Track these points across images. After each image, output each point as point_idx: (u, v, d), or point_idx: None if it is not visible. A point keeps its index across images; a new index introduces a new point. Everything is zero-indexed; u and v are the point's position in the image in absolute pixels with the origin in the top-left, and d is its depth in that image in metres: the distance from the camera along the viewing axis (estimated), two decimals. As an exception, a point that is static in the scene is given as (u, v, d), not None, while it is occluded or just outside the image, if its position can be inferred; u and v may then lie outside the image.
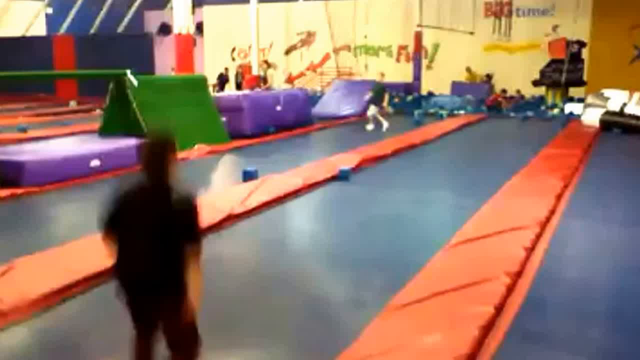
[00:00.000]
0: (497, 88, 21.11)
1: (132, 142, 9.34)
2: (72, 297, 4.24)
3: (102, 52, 22.05)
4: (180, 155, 9.90)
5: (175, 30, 12.70)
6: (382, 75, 15.32)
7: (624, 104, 14.60)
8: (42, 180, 7.64)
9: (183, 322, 2.65)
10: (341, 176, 8.19)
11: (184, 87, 11.33)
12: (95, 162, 8.37)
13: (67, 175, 7.98)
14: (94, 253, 4.85)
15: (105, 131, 10.21)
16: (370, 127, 13.94)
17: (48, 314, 3.99)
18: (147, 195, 2.70)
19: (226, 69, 22.31)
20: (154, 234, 2.63)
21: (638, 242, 5.61)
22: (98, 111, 15.86)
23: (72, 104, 20.47)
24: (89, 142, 9.59)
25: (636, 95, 15.19)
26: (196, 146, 10.53)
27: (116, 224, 2.72)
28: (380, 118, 13.90)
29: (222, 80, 21.45)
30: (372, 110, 14.12)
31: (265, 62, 21.60)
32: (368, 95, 14.58)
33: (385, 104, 14.27)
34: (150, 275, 2.63)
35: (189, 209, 2.65)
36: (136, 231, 2.67)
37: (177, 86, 11.26)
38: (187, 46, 12.77)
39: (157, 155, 2.67)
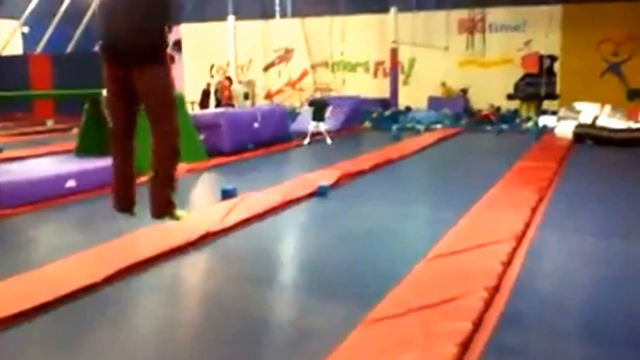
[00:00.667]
0: (473, 102, 21.42)
1: (109, 161, 9.30)
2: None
3: (79, 71, 21.83)
4: (158, 174, 9.90)
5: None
6: (326, 90, 15.63)
7: (596, 117, 14.93)
8: (17, 201, 7.54)
9: (163, 95, 3.02)
10: (320, 192, 8.22)
11: (161, 105, 11.29)
12: (71, 183, 8.30)
13: (43, 196, 7.89)
14: (72, 275, 4.85)
15: (81, 151, 10.12)
16: (306, 141, 14.22)
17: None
18: None
19: (208, 84, 22.27)
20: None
21: (612, 255, 5.71)
22: (75, 130, 15.70)
23: (49, 123, 20.27)
24: (64, 162, 9.51)
25: (607, 107, 15.55)
26: (174, 164, 10.49)
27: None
28: (324, 133, 14.24)
29: (206, 95, 21.39)
30: (313, 126, 14.43)
31: (228, 78, 21.41)
32: (309, 110, 14.95)
33: (325, 116, 14.62)
34: (132, 43, 2.94)
35: None
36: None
37: (154, 105, 11.22)
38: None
39: None
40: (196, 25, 25.48)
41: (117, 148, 2.95)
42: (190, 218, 3.65)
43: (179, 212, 3.32)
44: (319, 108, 14.57)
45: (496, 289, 4.57)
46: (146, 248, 5.63)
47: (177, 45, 17.60)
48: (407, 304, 4.17)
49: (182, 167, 10.48)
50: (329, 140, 14.19)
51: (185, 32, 25.66)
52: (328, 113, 14.72)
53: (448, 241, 5.79)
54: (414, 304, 4.15)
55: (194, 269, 5.63)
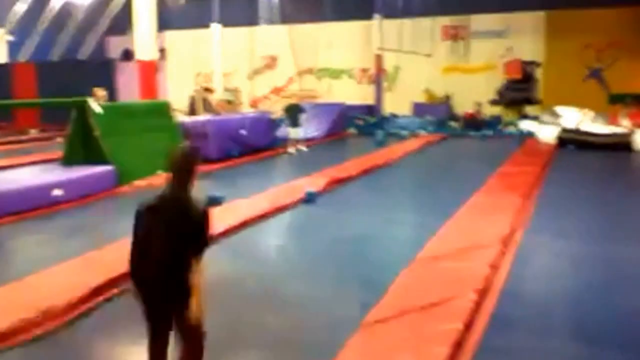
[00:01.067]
0: (457, 108, 21.59)
1: (95, 170, 9.28)
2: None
3: (64, 79, 21.77)
4: (145, 181, 9.89)
5: (138, 56, 12.68)
6: (298, 96, 15.47)
7: (579, 121, 15.13)
8: (2, 211, 7.49)
9: (192, 321, 2.93)
10: (308, 199, 8.27)
11: (147, 113, 11.29)
12: (57, 192, 8.25)
13: (29, 205, 7.82)
14: (57, 286, 4.81)
15: (68, 160, 10.07)
16: (292, 149, 14.04)
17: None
18: (170, 204, 3.01)
19: (197, 91, 22.07)
20: (172, 240, 2.91)
21: (596, 258, 5.80)
22: (60, 139, 15.61)
23: (33, 132, 20.11)
24: (50, 172, 9.46)
25: (589, 112, 15.78)
26: (159, 172, 10.46)
27: (139, 230, 3.01)
28: (298, 139, 14.03)
29: (194, 102, 21.15)
30: (292, 132, 14.14)
31: (206, 88, 20.51)
32: (283, 118, 14.69)
33: (300, 122, 14.19)
34: (164, 282, 2.92)
35: (204, 217, 2.96)
36: (155, 237, 2.94)
37: (140, 112, 11.21)
38: (150, 72, 12.75)
39: (183, 169, 3.02)
40: (181, 33, 25.48)
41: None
42: None
43: None
44: (293, 114, 14.17)
45: (485, 291, 4.64)
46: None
47: (162, 52, 17.36)
48: (400, 308, 4.22)
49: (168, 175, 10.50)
50: (304, 148, 14.07)
51: (170, 39, 25.68)
52: (303, 119, 14.26)
53: (436, 245, 5.86)
54: (406, 308, 4.20)
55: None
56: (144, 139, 10.66)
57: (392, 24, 21.23)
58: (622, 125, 14.81)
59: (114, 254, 5.70)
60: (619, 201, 8.42)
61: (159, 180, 10.17)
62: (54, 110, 20.26)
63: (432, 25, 21.95)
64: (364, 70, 23.68)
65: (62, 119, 12.73)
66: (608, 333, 4.05)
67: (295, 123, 14.09)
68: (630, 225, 7.01)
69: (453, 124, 19.53)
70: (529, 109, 20.52)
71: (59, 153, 11.04)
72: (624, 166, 12.05)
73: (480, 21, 22.17)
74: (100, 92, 11.32)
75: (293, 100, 16.49)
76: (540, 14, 21.03)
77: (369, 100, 22.03)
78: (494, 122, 19.57)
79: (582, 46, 21.08)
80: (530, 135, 16.18)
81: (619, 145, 13.58)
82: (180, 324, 3.00)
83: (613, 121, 15.18)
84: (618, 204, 8.19)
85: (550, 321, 4.26)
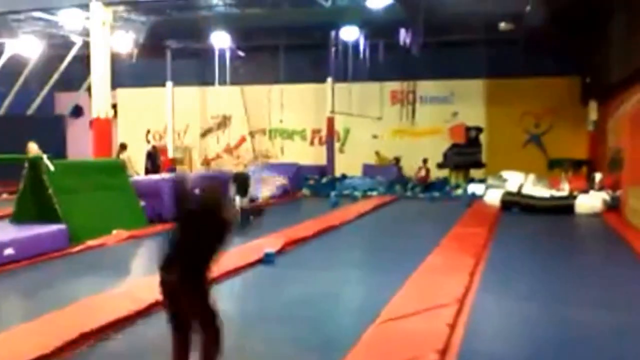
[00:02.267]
0: (405, 170, 22.22)
1: (47, 228, 9.08)
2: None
3: (11, 135, 21.28)
4: (98, 241, 9.73)
5: (94, 114, 12.68)
6: (244, 165, 14.59)
7: (521, 185, 15.85)
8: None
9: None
10: (266, 259, 8.32)
11: (101, 171, 11.22)
12: (9, 251, 8.03)
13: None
14: (7, 353, 4.66)
15: (18, 217, 9.84)
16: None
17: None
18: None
19: (154, 147, 21.84)
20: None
21: (545, 317, 6.04)
22: (5, 195, 15.21)
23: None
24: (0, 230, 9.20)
25: (531, 176, 16.57)
26: (114, 231, 10.35)
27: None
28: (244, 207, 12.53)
29: (152, 158, 20.90)
30: (238, 202, 12.69)
31: (121, 145, 19.12)
32: (232, 188, 12.89)
33: (248, 191, 12.91)
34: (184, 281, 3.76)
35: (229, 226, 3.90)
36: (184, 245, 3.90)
37: (94, 170, 11.13)
38: (104, 130, 12.74)
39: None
40: (132, 90, 25.55)
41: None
42: None
43: None
44: (241, 183, 12.86)
45: (444, 351, 4.78)
46: (92, 319, 5.48)
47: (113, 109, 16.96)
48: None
49: (122, 233, 10.38)
50: (251, 217, 12.48)
51: (121, 96, 25.67)
52: (251, 187, 13.14)
53: (395, 306, 6.00)
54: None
55: (142, 341, 5.53)
56: (97, 197, 10.57)
57: (343, 88, 21.97)
58: (563, 190, 15.59)
59: (68, 317, 5.57)
60: (561, 263, 8.82)
61: (113, 239, 10.05)
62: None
63: (381, 90, 22.84)
64: (316, 132, 24.23)
65: (7, 175, 12.46)
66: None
67: (244, 192, 12.87)
68: (574, 286, 7.35)
69: (405, 187, 19.87)
70: (475, 173, 21.34)
71: (6, 210, 10.77)
72: (566, 229, 12.64)
73: (426, 87, 23.22)
74: (34, 147, 11.19)
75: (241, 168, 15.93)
76: (482, 82, 22.23)
77: (321, 161, 22.47)
78: (440, 185, 20.22)
79: (521, 113, 22.31)
80: (477, 197, 16.77)
81: (561, 208, 14.25)
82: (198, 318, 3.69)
83: (554, 185, 15.96)
84: (560, 266, 8.58)
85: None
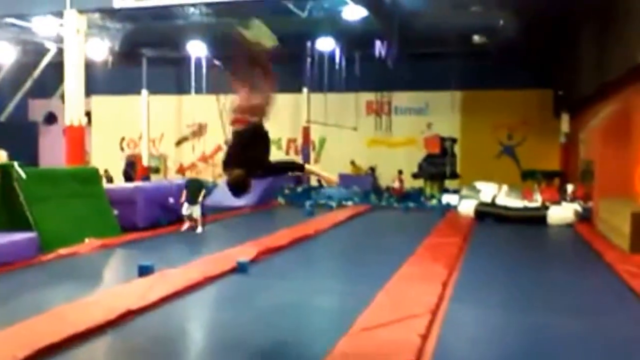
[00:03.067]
0: (381, 180, 22.36)
1: (17, 237, 8.94)
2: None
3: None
4: (71, 250, 9.59)
5: (67, 121, 12.52)
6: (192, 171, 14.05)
7: (495, 195, 16.06)
8: None
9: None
10: (240, 268, 8.29)
11: (74, 179, 11.09)
12: (-23, 259, 7.88)
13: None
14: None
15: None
16: (185, 226, 12.53)
17: None
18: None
19: (134, 155, 21.70)
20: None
21: (517, 326, 6.13)
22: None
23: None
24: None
25: (504, 187, 16.79)
26: (87, 240, 10.21)
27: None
28: (197, 218, 12.56)
29: (131, 166, 20.78)
30: (186, 209, 12.53)
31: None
32: (184, 196, 12.68)
33: (200, 199, 12.61)
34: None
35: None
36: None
37: (67, 178, 11.00)
38: (78, 138, 12.59)
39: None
40: (107, 98, 25.33)
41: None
42: None
43: None
44: (193, 190, 12.64)
45: (417, 361, 4.82)
46: (62, 329, 5.41)
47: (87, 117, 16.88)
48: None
49: (94, 242, 10.25)
50: (199, 229, 12.48)
51: (96, 104, 25.44)
52: (201, 197, 12.65)
53: (368, 315, 6.02)
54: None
55: (112, 352, 5.47)
56: (70, 205, 10.44)
57: (319, 98, 22.07)
58: (535, 200, 15.82)
59: (38, 326, 5.50)
60: (532, 272, 8.95)
61: (85, 248, 9.92)
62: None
63: (357, 100, 22.98)
64: (292, 141, 24.27)
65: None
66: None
67: (194, 200, 12.53)
68: (545, 295, 7.47)
69: (381, 197, 20.00)
70: (450, 183, 21.56)
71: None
72: (538, 239, 12.82)
73: (401, 98, 23.44)
74: (2, 155, 11.04)
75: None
76: (456, 94, 22.51)
77: (297, 170, 22.46)
78: (415, 195, 20.38)
79: (494, 124, 22.65)
80: (451, 208, 16.94)
81: (533, 219, 14.46)
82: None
83: (527, 196, 16.20)
84: (531, 275, 8.71)
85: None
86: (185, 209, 12.53)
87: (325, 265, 9.61)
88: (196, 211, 12.53)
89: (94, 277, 8.49)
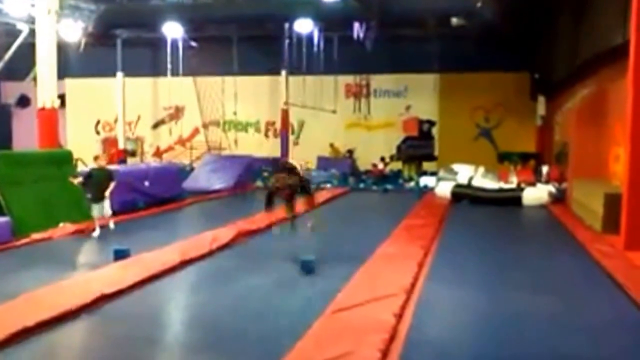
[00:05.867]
0: (360, 163, 22.41)
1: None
2: None
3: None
4: (44, 234, 9.47)
5: (39, 104, 12.28)
6: (104, 161, 11.38)
7: (471, 177, 16.19)
8: None
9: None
10: (218, 251, 8.26)
11: (47, 162, 10.93)
12: (-52, 244, 7.75)
13: None
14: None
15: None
16: (96, 233, 9.94)
17: None
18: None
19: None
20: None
21: (490, 303, 6.24)
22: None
23: None
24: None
25: (480, 169, 16.93)
26: (61, 224, 10.09)
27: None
28: (106, 216, 10.20)
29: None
30: (96, 210, 10.11)
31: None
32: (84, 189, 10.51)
33: (107, 193, 10.12)
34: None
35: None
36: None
37: (40, 161, 10.83)
38: (51, 120, 12.36)
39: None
40: (82, 81, 24.90)
41: None
42: None
43: None
44: (97, 184, 10.07)
45: (391, 340, 4.86)
46: (36, 313, 5.35)
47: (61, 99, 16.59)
48: (310, 359, 4.33)
49: (68, 227, 10.11)
50: (112, 225, 10.33)
51: (70, 86, 24.99)
52: (110, 190, 10.15)
53: (345, 296, 6.06)
54: (317, 358, 4.32)
55: (87, 335, 5.43)
56: (43, 189, 10.29)
57: (297, 80, 21.95)
58: (511, 182, 15.99)
59: (12, 311, 5.44)
60: (507, 252, 9.07)
61: (59, 233, 9.79)
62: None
63: (336, 83, 22.91)
64: (271, 124, 24.15)
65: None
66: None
67: (98, 197, 10.06)
68: (518, 274, 7.58)
69: (359, 179, 20.09)
70: (427, 165, 21.69)
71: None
72: (513, 220, 12.99)
73: (380, 81, 23.42)
74: None
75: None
76: (435, 76, 22.57)
77: (275, 153, 22.41)
78: (393, 177, 20.47)
79: (472, 107, 22.77)
80: (428, 190, 17.05)
81: (509, 200, 14.62)
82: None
83: (503, 178, 16.36)
84: (506, 255, 8.83)
85: (452, 366, 4.54)
86: (95, 212, 10.08)
87: (303, 247, 9.60)
88: (106, 209, 10.16)
89: (68, 262, 8.36)
